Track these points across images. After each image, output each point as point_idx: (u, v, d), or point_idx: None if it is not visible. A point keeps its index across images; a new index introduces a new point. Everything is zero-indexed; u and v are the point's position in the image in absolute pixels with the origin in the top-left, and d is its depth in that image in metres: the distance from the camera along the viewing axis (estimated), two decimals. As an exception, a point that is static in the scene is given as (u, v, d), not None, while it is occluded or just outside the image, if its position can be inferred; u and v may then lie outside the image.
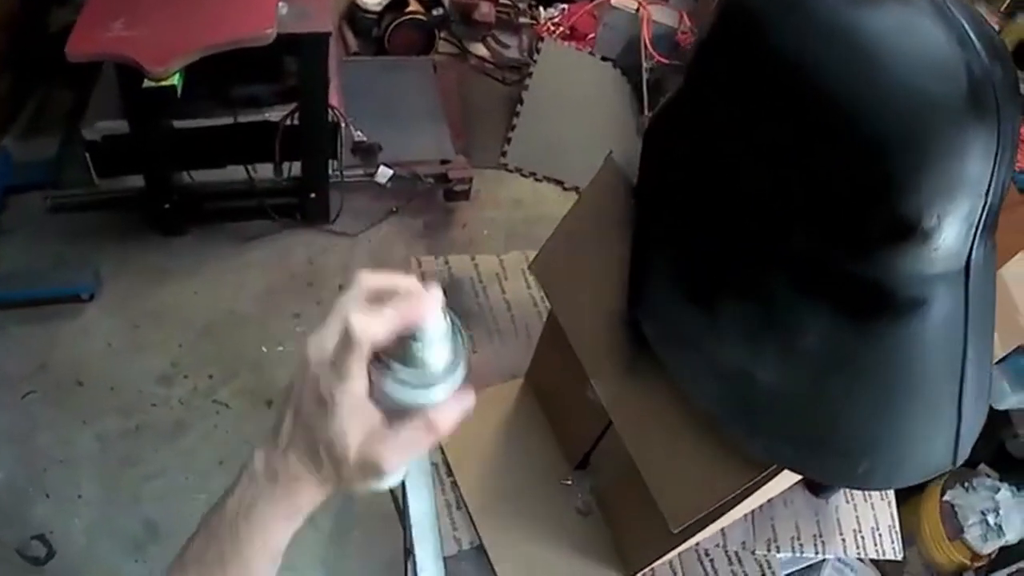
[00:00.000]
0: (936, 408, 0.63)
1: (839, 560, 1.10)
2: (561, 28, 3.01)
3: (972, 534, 1.56)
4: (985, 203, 0.57)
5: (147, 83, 1.73)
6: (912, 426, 0.63)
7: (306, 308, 2.30)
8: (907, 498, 1.62)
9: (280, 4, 1.86)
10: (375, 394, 0.48)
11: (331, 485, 0.51)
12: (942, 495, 1.61)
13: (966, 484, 1.61)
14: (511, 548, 0.98)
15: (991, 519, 1.56)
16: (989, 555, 1.59)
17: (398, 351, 0.48)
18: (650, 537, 0.91)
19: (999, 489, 1.59)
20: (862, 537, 1.11)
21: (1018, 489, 1.60)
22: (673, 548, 0.90)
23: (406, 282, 0.50)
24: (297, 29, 1.87)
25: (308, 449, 0.49)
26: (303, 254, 2.43)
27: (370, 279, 0.49)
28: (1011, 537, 1.56)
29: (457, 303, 1.20)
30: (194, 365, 2.13)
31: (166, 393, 2.07)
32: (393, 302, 0.47)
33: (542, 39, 2.91)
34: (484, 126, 2.85)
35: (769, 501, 1.08)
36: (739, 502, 0.73)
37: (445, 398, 0.49)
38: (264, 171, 2.28)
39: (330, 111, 2.17)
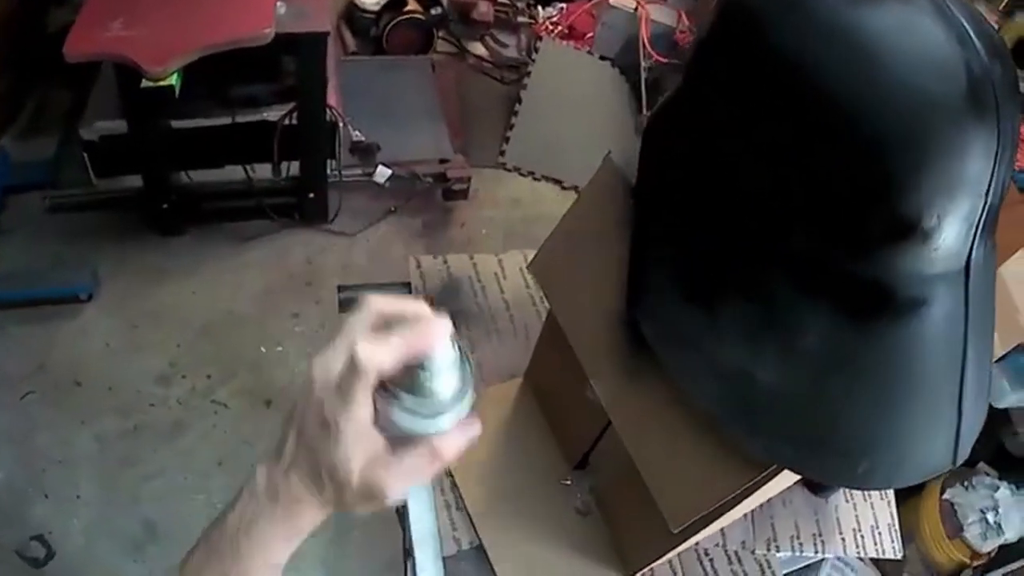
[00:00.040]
0: (936, 408, 0.63)
1: (839, 559, 1.10)
2: (559, 27, 3.01)
3: (972, 532, 1.56)
4: (985, 202, 0.57)
5: (145, 83, 1.73)
6: (912, 426, 0.63)
7: (305, 308, 2.30)
8: (906, 497, 1.62)
9: (278, 4, 1.85)
10: (380, 421, 0.48)
11: (332, 507, 0.50)
12: (941, 494, 1.61)
13: (965, 483, 1.61)
14: (510, 548, 0.98)
15: (990, 517, 1.55)
16: (989, 553, 1.59)
17: (404, 379, 0.48)
18: (650, 537, 0.91)
19: (998, 487, 1.58)
20: (862, 536, 1.11)
21: (1017, 487, 1.59)
22: (673, 548, 0.90)
23: (415, 307, 0.49)
24: (295, 29, 1.87)
25: (310, 471, 0.49)
26: (301, 254, 2.43)
27: (378, 303, 0.49)
28: (1010, 535, 1.56)
29: (456, 303, 1.20)
30: (192, 365, 2.13)
31: (164, 393, 2.07)
32: (401, 330, 0.47)
33: (540, 38, 2.91)
34: (482, 125, 2.85)
35: (768, 500, 1.08)
36: (739, 502, 0.73)
37: (451, 427, 0.49)
38: (262, 171, 2.27)
39: (328, 111, 2.17)
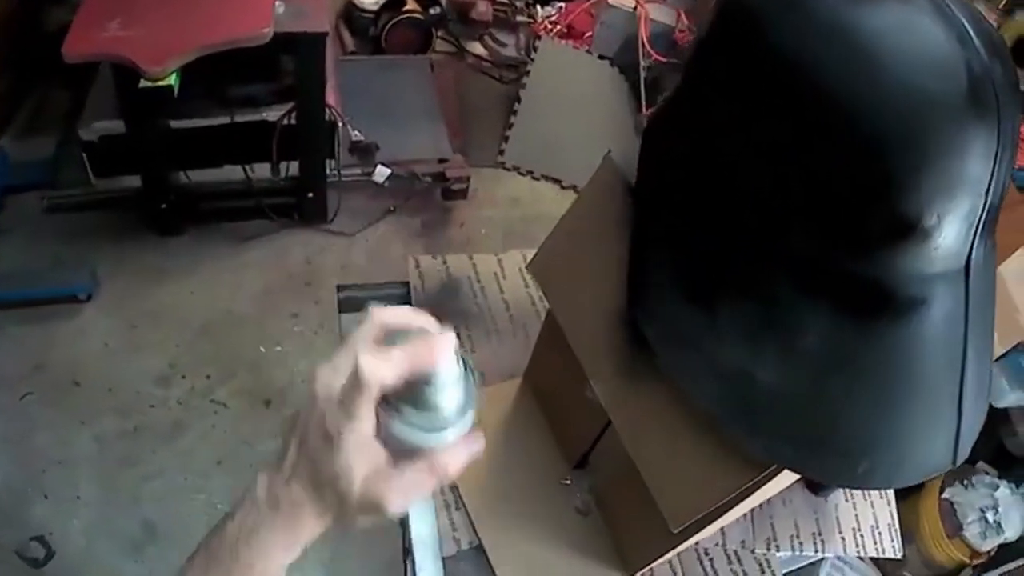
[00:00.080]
0: (936, 408, 0.62)
1: (838, 558, 1.10)
2: (558, 26, 3.01)
3: (971, 531, 1.56)
4: (985, 202, 0.57)
5: (143, 83, 1.73)
6: (912, 426, 0.63)
7: (304, 308, 2.29)
8: (906, 496, 1.62)
9: (277, 3, 1.85)
10: (382, 434, 0.48)
11: (333, 519, 0.50)
12: (941, 493, 1.61)
13: (965, 482, 1.61)
14: (510, 548, 0.98)
15: (990, 516, 1.56)
16: (988, 552, 1.59)
17: (408, 393, 0.48)
18: (649, 536, 0.90)
19: (998, 486, 1.59)
20: (861, 535, 1.11)
21: (1017, 486, 1.60)
22: (672, 548, 0.90)
23: (420, 321, 0.50)
24: (294, 28, 1.87)
25: (311, 482, 0.49)
26: (301, 254, 2.43)
27: (384, 316, 0.49)
28: (1010, 534, 1.56)
29: (455, 303, 1.20)
30: (192, 365, 2.13)
31: (164, 393, 2.07)
32: (406, 343, 0.47)
33: (539, 37, 2.91)
34: (481, 125, 2.85)
35: (768, 500, 1.08)
36: (739, 502, 0.73)
37: (453, 441, 0.49)
38: (261, 171, 2.27)
39: (327, 110, 2.17)
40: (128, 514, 1.86)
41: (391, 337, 0.48)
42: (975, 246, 0.59)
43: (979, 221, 0.58)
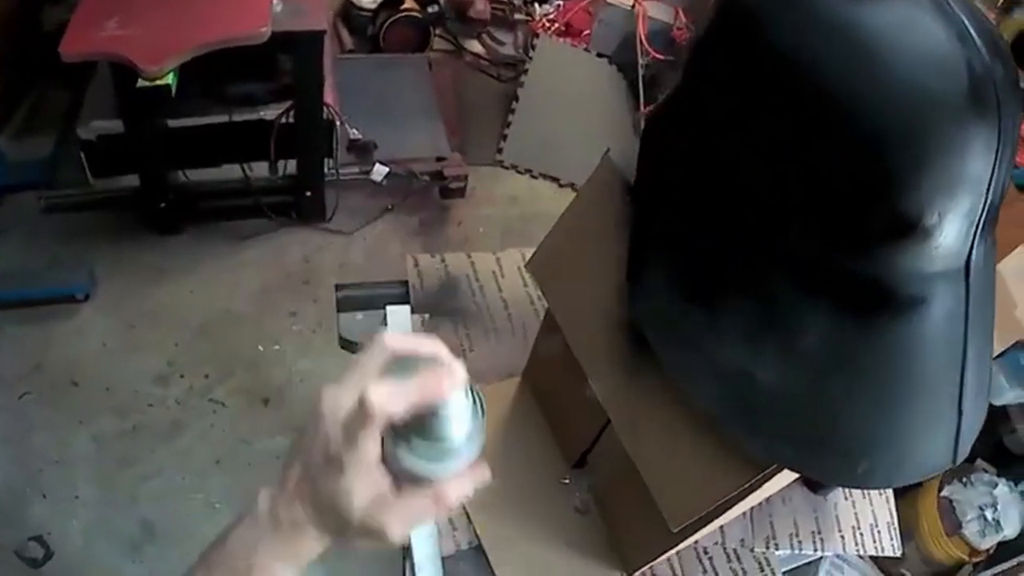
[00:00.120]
0: (936, 407, 0.62)
1: (838, 557, 1.10)
2: (556, 24, 3.00)
3: (970, 529, 1.56)
4: (986, 200, 0.57)
5: (141, 82, 1.72)
6: (912, 425, 0.62)
7: (302, 306, 2.29)
8: (905, 494, 1.61)
9: (274, 2, 1.85)
10: (387, 460, 0.47)
11: (332, 540, 0.51)
12: (940, 491, 1.61)
13: (964, 480, 1.61)
14: (509, 548, 0.98)
15: (989, 514, 1.55)
16: (987, 550, 1.58)
17: (415, 423, 0.47)
18: (649, 536, 0.90)
19: (997, 484, 1.58)
20: (861, 534, 1.11)
21: (1016, 484, 1.60)
22: (672, 547, 0.90)
23: (430, 348, 0.49)
24: (292, 27, 1.86)
25: (313, 502, 0.49)
26: (299, 252, 2.43)
27: (393, 342, 0.49)
28: (1009, 532, 1.56)
29: (453, 301, 1.19)
30: (190, 364, 2.13)
31: (162, 393, 2.07)
32: (415, 374, 0.47)
33: (537, 36, 2.90)
34: (479, 123, 2.85)
35: (768, 499, 1.08)
36: (739, 501, 0.73)
37: (458, 472, 0.49)
38: (259, 169, 2.27)
39: (325, 109, 2.16)
40: (127, 514, 1.85)
41: (401, 363, 0.48)
42: (975, 245, 0.59)
43: (979, 220, 0.58)
